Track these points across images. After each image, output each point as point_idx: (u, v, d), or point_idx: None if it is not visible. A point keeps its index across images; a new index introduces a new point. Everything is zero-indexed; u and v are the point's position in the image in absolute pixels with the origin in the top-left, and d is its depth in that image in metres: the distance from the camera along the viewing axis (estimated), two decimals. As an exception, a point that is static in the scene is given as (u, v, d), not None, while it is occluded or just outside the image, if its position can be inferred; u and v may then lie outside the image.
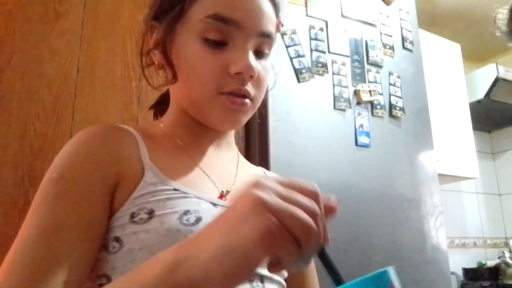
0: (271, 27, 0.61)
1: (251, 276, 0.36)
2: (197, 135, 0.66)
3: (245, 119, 0.63)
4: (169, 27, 0.61)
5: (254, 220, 0.34)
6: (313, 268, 0.72)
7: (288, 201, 0.35)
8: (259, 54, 0.61)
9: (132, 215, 0.52)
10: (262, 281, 0.56)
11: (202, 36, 0.58)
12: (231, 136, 0.72)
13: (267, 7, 0.60)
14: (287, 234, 0.34)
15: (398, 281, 0.39)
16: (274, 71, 0.73)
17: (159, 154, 0.59)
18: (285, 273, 0.63)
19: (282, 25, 0.68)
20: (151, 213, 0.52)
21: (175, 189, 0.55)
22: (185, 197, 0.55)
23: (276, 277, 0.59)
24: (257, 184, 0.37)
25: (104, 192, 0.52)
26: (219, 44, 0.58)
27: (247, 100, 0.59)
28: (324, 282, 0.72)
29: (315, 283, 0.71)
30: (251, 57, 0.58)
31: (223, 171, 0.66)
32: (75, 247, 0.48)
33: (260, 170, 0.77)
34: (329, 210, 0.38)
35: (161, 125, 0.67)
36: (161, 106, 0.73)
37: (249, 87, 0.59)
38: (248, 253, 0.35)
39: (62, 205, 0.50)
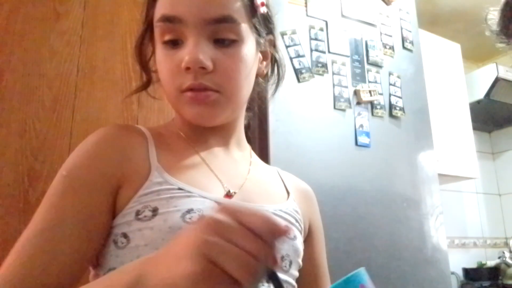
0: (224, 11, 0.58)
1: None
2: (201, 133, 0.66)
3: (218, 112, 0.61)
4: (142, 34, 0.65)
5: (188, 263, 0.35)
6: (325, 267, 0.72)
7: (229, 241, 0.35)
8: (222, 41, 0.59)
9: (137, 213, 0.54)
10: (268, 281, 0.56)
11: (161, 40, 0.60)
12: (239, 134, 0.71)
13: None
14: (221, 275, 0.34)
15: (370, 281, 0.40)
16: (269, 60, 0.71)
17: (167, 154, 0.61)
18: (295, 273, 0.63)
19: (263, 4, 0.64)
20: (155, 211, 0.53)
21: (179, 188, 0.56)
22: (189, 196, 0.56)
23: (284, 276, 0.59)
24: (202, 223, 0.37)
25: (106, 189, 0.55)
26: (175, 44, 0.59)
27: (210, 92, 0.58)
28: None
29: (327, 282, 0.71)
30: (198, 49, 0.56)
31: (233, 170, 0.66)
32: (70, 243, 0.51)
33: (274, 170, 0.76)
34: (279, 233, 0.37)
35: (174, 124, 0.69)
36: None
37: (207, 79, 0.58)
38: None
39: (63, 200, 0.53)
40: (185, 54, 0.57)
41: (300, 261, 0.65)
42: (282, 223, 0.38)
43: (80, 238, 0.51)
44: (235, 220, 0.36)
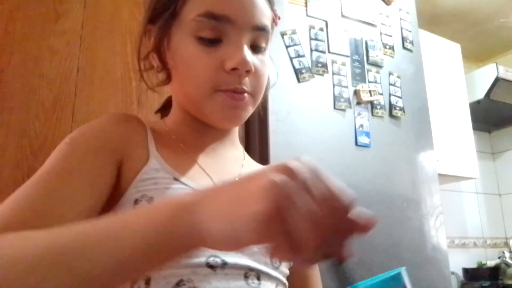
0: (265, 20, 0.60)
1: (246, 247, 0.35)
2: (199, 134, 0.66)
3: (246, 115, 0.63)
4: (163, 28, 0.61)
5: (259, 202, 0.32)
6: (316, 268, 0.72)
7: (308, 204, 0.31)
8: (256, 48, 0.61)
9: (136, 202, 0.55)
10: (258, 278, 0.56)
11: (196, 35, 0.58)
12: (234, 134, 0.72)
13: (259, 0, 0.60)
14: (283, 233, 0.31)
15: (410, 283, 0.37)
16: (274, 66, 0.72)
17: (163, 147, 0.62)
18: (285, 271, 0.63)
19: (279, 18, 0.67)
20: (150, 201, 0.55)
21: (175, 178, 0.58)
22: (183, 189, 0.57)
23: (274, 273, 0.59)
24: (286, 167, 0.33)
25: (109, 159, 0.56)
26: (213, 42, 0.58)
27: (245, 95, 0.60)
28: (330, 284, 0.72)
29: (318, 284, 0.71)
30: (246, 51, 0.57)
31: (225, 169, 0.66)
32: (72, 198, 0.50)
33: None
34: (360, 228, 0.33)
35: (165, 124, 0.69)
36: (166, 110, 0.74)
37: (246, 83, 0.59)
38: (240, 232, 0.33)
39: (69, 161, 0.53)
40: (231, 54, 0.57)
41: None
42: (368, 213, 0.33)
43: (84, 197, 0.50)
44: (319, 179, 0.33)
